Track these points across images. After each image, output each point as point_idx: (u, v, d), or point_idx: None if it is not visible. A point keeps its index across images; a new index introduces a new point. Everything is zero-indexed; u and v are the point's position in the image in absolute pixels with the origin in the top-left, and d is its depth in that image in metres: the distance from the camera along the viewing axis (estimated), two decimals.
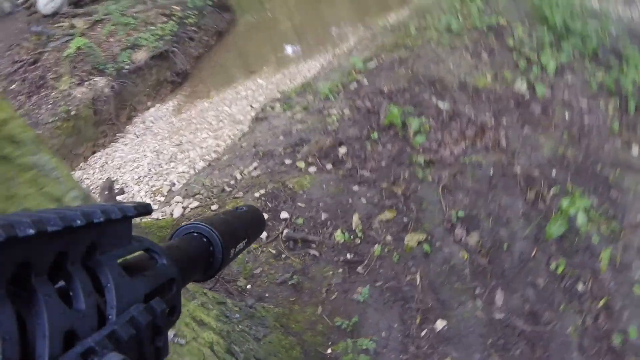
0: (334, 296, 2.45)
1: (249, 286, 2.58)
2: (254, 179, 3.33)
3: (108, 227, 0.30)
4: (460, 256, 2.52)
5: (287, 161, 3.39)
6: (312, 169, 3.24)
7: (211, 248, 0.46)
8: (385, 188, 2.95)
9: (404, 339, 2.28)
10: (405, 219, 2.74)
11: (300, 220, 2.81)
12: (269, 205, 2.99)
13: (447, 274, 2.46)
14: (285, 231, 2.79)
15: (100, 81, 5.22)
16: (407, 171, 3.05)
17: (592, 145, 3.50)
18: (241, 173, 3.47)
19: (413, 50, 4.29)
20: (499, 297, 2.38)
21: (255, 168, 3.47)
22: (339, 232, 2.72)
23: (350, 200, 2.92)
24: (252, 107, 4.75)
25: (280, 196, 3.03)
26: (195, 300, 2.01)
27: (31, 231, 0.23)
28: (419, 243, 2.59)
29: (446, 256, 2.53)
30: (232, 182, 3.39)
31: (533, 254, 2.53)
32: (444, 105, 3.61)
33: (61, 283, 0.28)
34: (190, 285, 2.03)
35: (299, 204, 2.94)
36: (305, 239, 2.73)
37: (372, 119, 3.57)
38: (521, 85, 3.96)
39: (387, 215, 2.77)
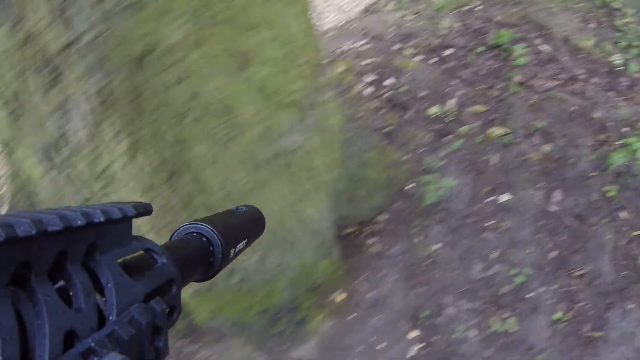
0: (421, 150, 2.86)
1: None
2: (362, 51, 3.68)
3: (108, 227, 0.30)
4: (533, 156, 2.90)
5: (395, 47, 3.73)
6: (418, 58, 3.58)
7: (211, 248, 0.46)
8: (481, 89, 3.30)
9: (472, 198, 2.70)
10: (493, 116, 3.11)
11: (403, 89, 3.19)
12: (375, 72, 3.36)
13: (519, 164, 2.86)
14: (388, 93, 3.18)
15: None
16: (503, 84, 3.39)
17: None
18: (349, 46, 3.82)
19: None
20: (557, 195, 2.78)
21: (363, 44, 3.82)
22: (434, 107, 3.10)
23: (448, 89, 3.28)
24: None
25: (387, 68, 3.40)
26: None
27: (31, 231, 0.23)
28: (501, 136, 2.97)
29: (521, 152, 2.92)
30: (340, 50, 3.75)
31: (592, 175, 2.91)
32: (546, 48, 3.90)
33: (61, 283, 0.28)
34: None
35: (403, 78, 3.31)
36: (405, 104, 3.12)
37: (478, 38, 3.87)
38: (617, 60, 4.22)
39: (479, 108, 3.14)
